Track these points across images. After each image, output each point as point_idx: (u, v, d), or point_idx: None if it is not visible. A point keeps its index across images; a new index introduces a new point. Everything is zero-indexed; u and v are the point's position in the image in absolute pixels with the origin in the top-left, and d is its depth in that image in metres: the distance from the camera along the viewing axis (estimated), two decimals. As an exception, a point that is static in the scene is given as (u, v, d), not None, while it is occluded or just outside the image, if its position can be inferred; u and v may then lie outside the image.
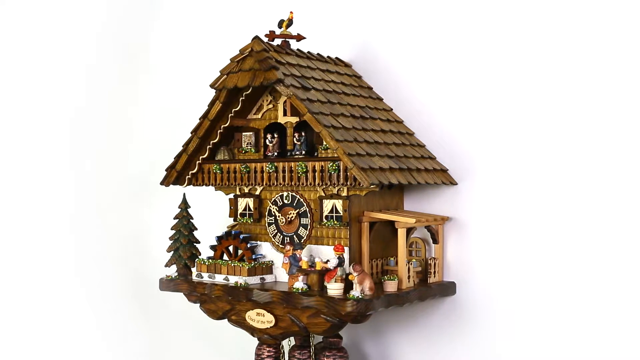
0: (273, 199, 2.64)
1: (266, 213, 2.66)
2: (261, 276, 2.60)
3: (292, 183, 2.54)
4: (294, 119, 2.57)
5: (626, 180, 2.38)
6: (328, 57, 2.80)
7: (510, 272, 2.57)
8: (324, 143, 2.49)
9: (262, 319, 2.55)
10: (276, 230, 2.64)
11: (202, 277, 2.68)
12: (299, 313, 2.45)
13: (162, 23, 3.54)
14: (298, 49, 2.69)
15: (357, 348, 2.89)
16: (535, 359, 2.54)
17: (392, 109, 2.79)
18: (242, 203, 2.73)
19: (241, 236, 2.65)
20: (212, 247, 2.72)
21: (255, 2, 3.22)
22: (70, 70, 3.70)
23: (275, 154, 2.62)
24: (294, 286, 2.42)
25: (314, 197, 2.55)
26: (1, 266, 3.75)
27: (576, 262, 2.46)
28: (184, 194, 2.79)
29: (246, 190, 2.72)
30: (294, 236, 2.59)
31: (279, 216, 2.61)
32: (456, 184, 2.66)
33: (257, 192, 2.69)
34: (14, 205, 3.78)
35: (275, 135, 2.62)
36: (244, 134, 2.71)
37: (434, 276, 2.63)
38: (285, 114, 2.59)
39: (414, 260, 2.62)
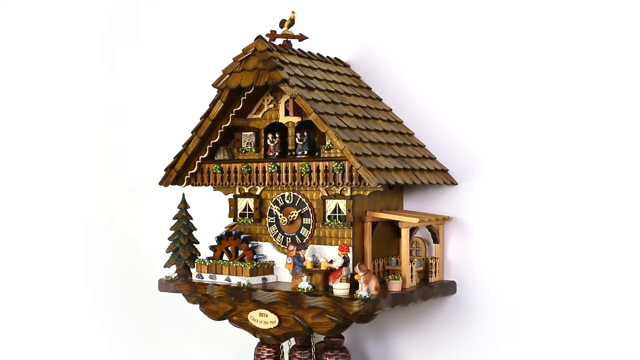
0: (274, 199, 2.63)
1: (267, 213, 2.66)
2: (263, 276, 2.59)
3: (295, 183, 2.53)
4: (296, 119, 2.56)
5: (626, 179, 2.41)
6: (327, 57, 2.80)
7: (510, 271, 2.60)
8: (327, 143, 2.49)
9: (265, 319, 2.54)
10: (277, 231, 2.64)
11: (202, 278, 2.67)
12: (303, 313, 2.45)
13: (162, 23, 3.51)
14: (299, 49, 2.69)
15: (357, 348, 2.89)
16: (535, 357, 2.57)
17: (391, 109, 2.80)
18: (241, 203, 2.72)
19: (242, 236, 2.64)
20: (212, 248, 2.70)
21: (254, 2, 3.21)
22: (69, 70, 3.69)
23: (277, 154, 2.62)
24: (299, 286, 2.42)
25: (317, 197, 2.55)
26: (1, 266, 3.73)
27: (576, 261, 2.49)
28: (183, 194, 2.77)
29: (246, 190, 2.71)
30: (296, 236, 2.59)
31: (280, 216, 2.61)
32: (457, 183, 2.68)
33: (258, 192, 2.68)
34: (13, 205, 3.77)
35: (277, 135, 2.61)
36: (243, 133, 2.70)
37: (435, 276, 2.64)
38: (287, 114, 2.58)
39: (416, 259, 2.63)
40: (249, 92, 2.57)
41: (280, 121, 2.61)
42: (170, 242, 2.75)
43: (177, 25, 3.46)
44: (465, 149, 2.68)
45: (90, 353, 3.65)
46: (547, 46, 2.54)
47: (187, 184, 2.74)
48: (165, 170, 2.72)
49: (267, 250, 2.66)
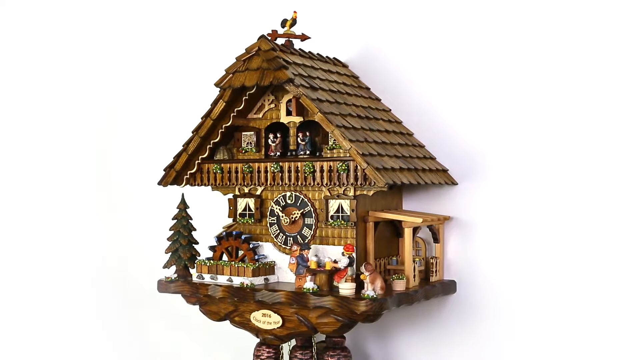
0: (275, 199, 2.63)
1: (268, 213, 2.65)
2: (265, 277, 2.59)
3: (299, 183, 2.53)
4: (298, 119, 2.56)
5: (624, 178, 2.45)
6: (327, 57, 2.80)
7: (510, 270, 2.63)
8: (330, 143, 2.50)
9: (268, 319, 2.53)
10: (278, 231, 2.63)
11: (203, 279, 2.65)
12: (307, 313, 2.44)
13: (161, 22, 3.47)
14: (300, 49, 2.68)
15: (358, 347, 2.90)
16: (535, 356, 2.60)
17: (390, 110, 2.81)
18: (241, 203, 2.70)
19: (243, 237, 2.63)
20: (212, 248, 2.68)
21: (252, 1, 3.19)
22: (69, 69, 3.66)
23: (278, 153, 2.61)
24: (305, 286, 2.42)
25: (319, 197, 2.55)
26: (0, 267, 3.70)
27: (575, 260, 2.53)
28: (182, 194, 2.75)
29: (246, 191, 2.70)
30: (298, 236, 2.58)
31: (282, 216, 2.60)
32: (457, 184, 2.70)
33: (258, 192, 2.67)
34: (13, 206, 3.74)
35: (278, 135, 2.60)
36: (243, 133, 2.69)
37: (435, 275, 2.66)
38: (288, 114, 2.58)
39: (417, 259, 2.64)
40: (251, 91, 2.56)
41: (281, 121, 2.61)
42: (170, 242, 2.73)
43: (177, 25, 3.43)
44: (465, 149, 2.70)
45: (90, 353, 3.63)
46: (547, 45, 2.57)
47: (185, 184, 2.72)
48: (164, 170, 2.70)
49: (268, 251, 2.65)
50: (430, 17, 2.78)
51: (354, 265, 2.43)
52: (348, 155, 2.39)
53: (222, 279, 2.60)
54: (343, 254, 2.43)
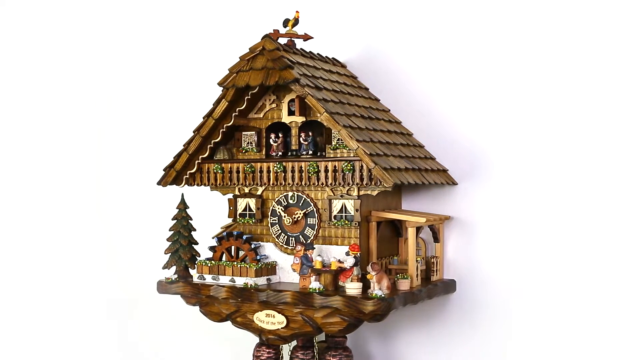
0: (277, 198, 2.62)
1: (269, 213, 2.64)
2: (267, 277, 2.58)
3: (302, 183, 2.53)
4: (300, 119, 2.56)
5: (623, 177, 2.49)
6: (326, 57, 2.80)
7: (509, 269, 2.65)
8: (333, 143, 2.50)
9: (272, 320, 2.52)
10: (280, 231, 2.62)
11: (204, 279, 2.63)
12: (312, 313, 2.44)
13: (161, 22, 3.43)
14: (302, 49, 2.68)
15: (358, 347, 2.90)
16: (535, 354, 2.63)
17: (389, 110, 2.82)
18: (241, 203, 2.69)
19: (244, 237, 2.62)
20: (212, 248, 2.67)
21: (251, 1, 3.17)
22: (68, 69, 3.61)
23: (280, 153, 2.61)
24: (311, 286, 2.42)
25: (322, 197, 2.55)
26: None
27: (573, 258, 2.56)
28: (182, 194, 2.73)
29: (246, 191, 2.68)
30: (300, 236, 2.58)
31: (284, 216, 2.60)
32: (456, 184, 2.72)
33: (259, 192, 2.66)
34: (12, 206, 3.72)
35: (280, 135, 2.60)
36: (244, 133, 2.68)
37: (436, 274, 2.68)
38: (291, 114, 2.57)
39: (419, 258, 2.66)
40: (254, 91, 2.55)
41: (283, 121, 2.60)
42: (170, 243, 2.70)
43: (176, 25, 3.39)
44: (463, 149, 2.72)
45: (89, 354, 3.59)
46: (546, 45, 2.59)
47: (185, 184, 2.70)
48: (164, 170, 2.68)
49: (269, 251, 2.64)
50: (429, 17, 2.79)
51: (359, 265, 2.44)
52: (354, 155, 2.40)
53: (224, 280, 2.59)
54: (348, 254, 2.44)
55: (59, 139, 3.65)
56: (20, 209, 3.76)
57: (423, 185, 2.70)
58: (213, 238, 2.78)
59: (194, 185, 2.71)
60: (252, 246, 2.61)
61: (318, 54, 2.76)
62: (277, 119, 2.62)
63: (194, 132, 2.62)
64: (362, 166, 2.40)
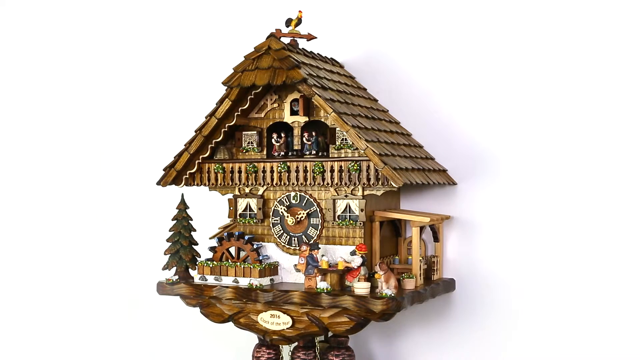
0: (279, 198, 2.61)
1: (271, 213, 2.63)
2: (270, 277, 2.57)
3: (307, 183, 2.52)
4: (303, 119, 2.56)
5: (623, 176, 2.54)
6: (326, 57, 2.80)
7: (509, 268, 2.69)
8: (338, 143, 2.50)
9: (276, 320, 2.51)
10: (282, 231, 2.61)
11: (206, 280, 2.61)
12: (319, 313, 2.44)
13: (161, 22, 3.38)
14: (304, 49, 2.67)
15: (359, 347, 2.90)
16: (534, 352, 2.67)
17: (388, 110, 2.83)
18: (242, 203, 2.68)
19: (246, 237, 2.60)
20: (212, 249, 2.65)
21: (251, 1, 3.15)
22: (68, 68, 3.55)
23: (282, 153, 2.60)
24: (318, 286, 2.41)
25: (325, 197, 2.55)
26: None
27: (573, 258, 2.60)
28: (182, 194, 2.70)
29: (247, 191, 2.67)
30: (303, 236, 2.58)
31: (287, 216, 2.59)
32: (456, 184, 2.74)
33: (260, 192, 2.65)
34: (12, 206, 3.68)
35: (282, 135, 2.59)
36: (245, 133, 2.66)
37: (436, 273, 2.70)
38: (295, 114, 2.57)
39: (421, 258, 2.67)
40: (257, 91, 2.54)
41: (285, 120, 2.59)
42: (170, 243, 2.67)
43: (177, 24, 3.34)
44: (462, 149, 2.74)
45: (88, 356, 3.53)
46: (545, 45, 2.63)
47: (184, 184, 2.67)
48: (164, 169, 2.65)
49: (271, 251, 2.63)
50: (427, 17, 2.81)
51: (365, 265, 2.44)
52: (362, 155, 2.40)
53: (227, 280, 2.57)
54: (355, 254, 2.44)
55: (59, 139, 3.59)
56: (20, 209, 3.70)
57: (422, 185, 2.72)
58: (211, 238, 2.76)
59: (193, 185, 2.68)
60: (254, 246, 2.59)
61: (318, 54, 2.75)
62: (278, 119, 2.61)
63: (195, 131, 2.59)
64: (368, 166, 2.41)
